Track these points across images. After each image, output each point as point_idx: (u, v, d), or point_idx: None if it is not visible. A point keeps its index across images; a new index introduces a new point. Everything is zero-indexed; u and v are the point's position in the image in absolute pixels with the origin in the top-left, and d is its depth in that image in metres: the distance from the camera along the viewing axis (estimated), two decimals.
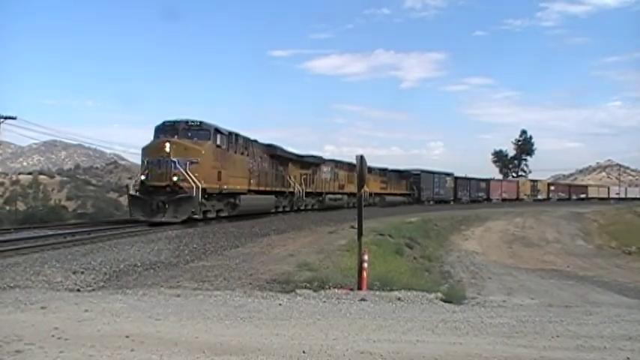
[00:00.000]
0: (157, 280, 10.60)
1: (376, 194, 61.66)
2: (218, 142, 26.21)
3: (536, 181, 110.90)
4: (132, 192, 25.16)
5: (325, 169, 48.08)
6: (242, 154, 29.79)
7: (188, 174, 24.17)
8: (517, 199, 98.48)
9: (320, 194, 45.98)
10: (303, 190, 41.61)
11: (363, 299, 9.14)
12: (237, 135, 29.13)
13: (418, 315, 8.12)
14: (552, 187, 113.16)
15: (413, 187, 72.51)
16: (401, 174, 70.74)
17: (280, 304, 8.51)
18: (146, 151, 25.32)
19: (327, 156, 50.30)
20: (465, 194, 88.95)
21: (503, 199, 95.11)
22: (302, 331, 6.88)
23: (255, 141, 34.26)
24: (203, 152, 24.88)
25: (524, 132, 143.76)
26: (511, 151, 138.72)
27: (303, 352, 6.08)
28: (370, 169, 61.52)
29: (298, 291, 9.81)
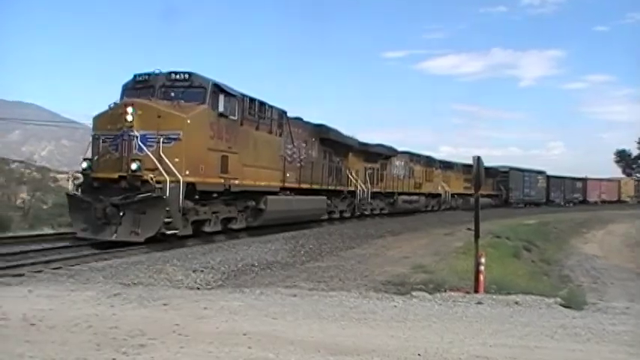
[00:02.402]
0: (274, 279, 10.36)
1: (458, 195, 49.89)
2: (221, 109, 15.48)
3: None
4: (71, 188, 14.76)
5: (398, 163, 36.82)
6: (271, 132, 18.93)
7: (161, 158, 13.60)
8: (618, 200, 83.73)
9: (391, 195, 34.76)
10: (368, 189, 30.48)
11: (479, 302, 8.73)
12: (261, 103, 18.31)
13: (536, 320, 7.71)
14: None
15: (500, 187, 59.90)
16: (487, 171, 57.85)
17: (395, 306, 8.17)
18: (97, 121, 14.87)
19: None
20: (558, 195, 75.49)
21: (603, 201, 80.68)
22: (417, 334, 6.73)
23: (299, 119, 23.40)
24: (189, 122, 14.21)
25: None
26: (635, 150, 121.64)
27: (418, 354, 5.99)
28: (451, 165, 49.86)
29: (414, 293, 9.34)
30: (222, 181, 15.66)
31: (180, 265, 11.04)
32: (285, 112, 20.36)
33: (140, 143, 13.68)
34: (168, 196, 13.39)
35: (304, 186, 21.98)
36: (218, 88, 15.40)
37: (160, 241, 14.10)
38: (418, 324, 7.15)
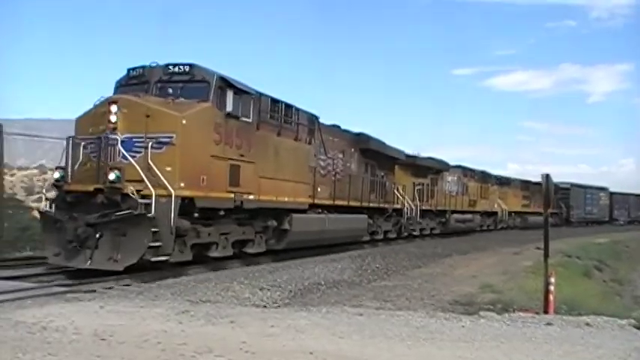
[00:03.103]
0: (340, 298, 10.21)
1: (516, 213, 45.83)
2: (230, 108, 12.61)
3: None
4: (43, 205, 12.09)
5: (450, 178, 33.51)
6: (297, 139, 15.98)
7: (149, 166, 10.82)
8: None
9: (442, 213, 31.31)
10: (417, 206, 27.20)
11: (549, 323, 8.39)
12: (286, 105, 15.42)
13: (608, 342, 7.38)
14: None
15: (560, 205, 55.17)
16: None
17: (463, 326, 7.92)
18: (79, 122, 12.20)
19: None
20: (622, 214, 70.19)
21: None
22: (485, 354, 6.55)
23: (336, 126, 20.47)
24: (185, 122, 11.37)
25: None
26: None
27: None
28: (508, 181, 45.86)
29: (482, 313, 9.07)
30: (232, 195, 12.74)
31: (248, 283, 10.87)
32: (316, 117, 17.41)
33: (121, 148, 10.90)
34: (156, 214, 10.56)
35: (340, 202, 18.91)
36: (225, 83, 12.53)
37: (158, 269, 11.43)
38: (486, 344, 7.03)
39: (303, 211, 16.22)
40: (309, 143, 16.74)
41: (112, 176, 10.54)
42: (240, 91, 12.96)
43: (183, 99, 11.97)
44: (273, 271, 12.87)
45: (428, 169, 29.77)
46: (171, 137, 11.13)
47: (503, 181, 43.87)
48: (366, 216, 21.22)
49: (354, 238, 20.49)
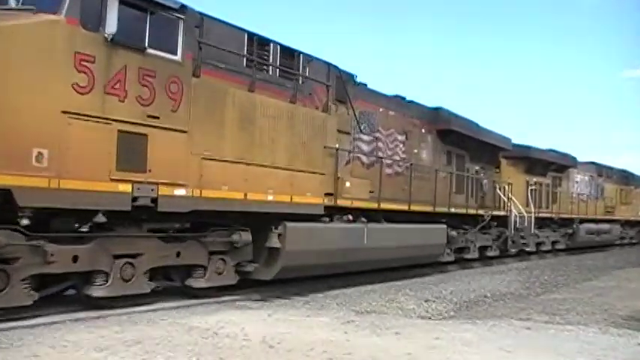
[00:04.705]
0: (507, 311, 9.71)
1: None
2: (113, 28, 6.82)
3: None
4: None
5: (579, 177, 25.81)
6: (293, 101, 9.82)
7: None
8: None
9: (568, 222, 23.62)
10: (532, 214, 19.98)
11: None
12: (262, 41, 9.41)
13: None
14: None
15: None
16: None
17: (638, 344, 7.40)
18: None
19: None
20: None
21: None
22: None
23: (399, 97, 14.29)
24: None
25: None
26: None
27: None
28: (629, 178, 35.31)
29: None
30: (129, 188, 6.94)
31: (413, 295, 10.60)
32: (340, 71, 11.22)
33: None
34: None
35: (392, 206, 12.51)
36: None
37: None
38: None
39: (313, 218, 10.05)
40: (325, 111, 10.52)
41: None
42: (147, 3, 7.14)
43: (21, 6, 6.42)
44: (439, 283, 12.63)
45: (548, 165, 22.50)
46: None
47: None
48: (444, 226, 14.60)
49: (419, 259, 13.97)
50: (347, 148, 11.43)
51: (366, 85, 13.04)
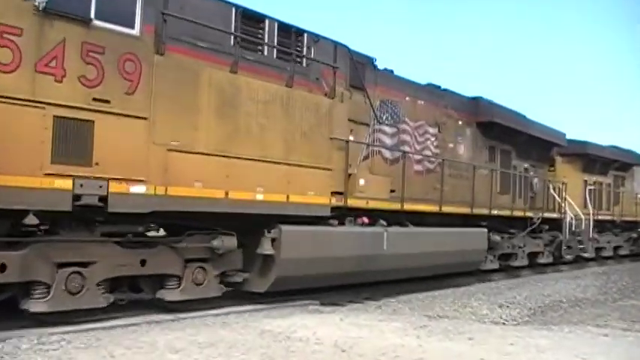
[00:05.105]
0: (583, 317, 9.56)
1: None
2: None
3: None
4: None
5: None
6: (290, 85, 8.44)
7: None
8: None
9: (633, 226, 21.44)
10: (590, 216, 18.04)
11: None
12: (255, 17, 8.23)
13: None
14: None
15: None
16: None
17: None
18: None
19: None
20: None
21: None
22: None
23: (432, 85, 12.91)
24: None
25: None
26: None
27: None
28: None
29: None
30: (70, 183, 5.85)
31: (486, 300, 10.52)
32: (353, 52, 9.86)
33: None
34: None
35: (418, 207, 11.06)
36: None
37: None
38: None
39: (318, 221, 8.76)
40: (330, 96, 9.18)
41: None
42: None
43: None
44: (513, 288, 12.48)
45: (609, 163, 20.37)
46: None
47: None
48: (484, 230, 13.01)
49: (454, 267, 12.42)
50: (364, 141, 10.10)
51: (392, 71, 11.68)
